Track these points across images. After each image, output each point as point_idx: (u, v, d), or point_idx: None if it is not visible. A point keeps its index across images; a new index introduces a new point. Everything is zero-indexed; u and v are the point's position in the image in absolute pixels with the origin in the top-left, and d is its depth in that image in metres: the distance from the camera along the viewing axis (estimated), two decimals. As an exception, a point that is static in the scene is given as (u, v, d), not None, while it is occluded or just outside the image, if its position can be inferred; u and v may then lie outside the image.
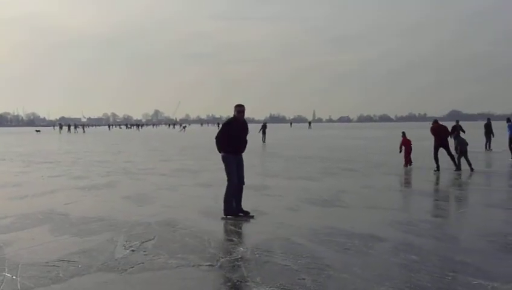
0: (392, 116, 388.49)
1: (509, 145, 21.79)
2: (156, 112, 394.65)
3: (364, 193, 12.42)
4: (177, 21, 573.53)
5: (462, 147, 17.24)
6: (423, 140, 32.34)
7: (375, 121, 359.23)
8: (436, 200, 11.60)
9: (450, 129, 20.17)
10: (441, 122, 18.39)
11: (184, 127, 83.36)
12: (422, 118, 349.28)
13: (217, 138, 9.35)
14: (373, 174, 16.35)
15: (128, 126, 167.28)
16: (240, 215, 9.23)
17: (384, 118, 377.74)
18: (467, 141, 17.49)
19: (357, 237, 7.54)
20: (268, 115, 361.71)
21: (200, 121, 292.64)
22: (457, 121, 25.92)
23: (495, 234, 7.63)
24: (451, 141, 17.55)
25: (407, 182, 14.96)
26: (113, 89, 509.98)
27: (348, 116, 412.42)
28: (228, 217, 9.11)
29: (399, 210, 10.20)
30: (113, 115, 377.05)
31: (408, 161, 18.70)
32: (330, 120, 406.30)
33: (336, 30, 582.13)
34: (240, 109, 9.31)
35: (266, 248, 6.98)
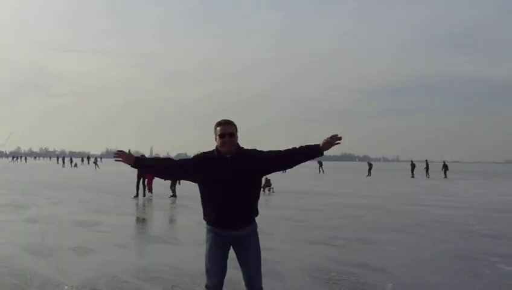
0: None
1: None
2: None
3: (195, 229, 12.57)
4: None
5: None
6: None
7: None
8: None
9: None
10: None
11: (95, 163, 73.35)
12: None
13: None
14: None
15: None
16: None
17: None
18: None
19: (186, 274, 7.63)
20: (104, 150, 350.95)
21: (33, 154, 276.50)
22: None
23: (319, 270, 7.97)
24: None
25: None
26: None
27: (185, 153, 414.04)
28: None
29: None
30: None
31: (149, 189, 22.10)
32: (168, 156, 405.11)
33: (170, 67, 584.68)
34: (223, 129, 4.46)
35: (92, 285, 6.84)
